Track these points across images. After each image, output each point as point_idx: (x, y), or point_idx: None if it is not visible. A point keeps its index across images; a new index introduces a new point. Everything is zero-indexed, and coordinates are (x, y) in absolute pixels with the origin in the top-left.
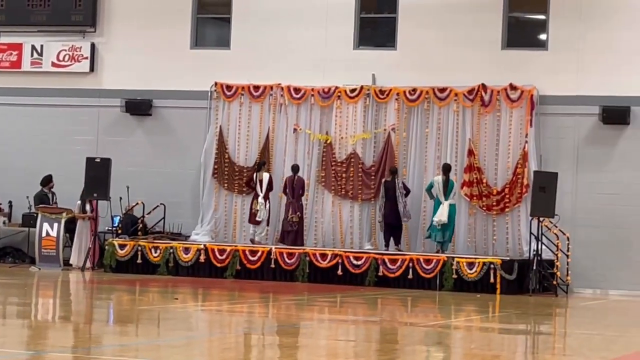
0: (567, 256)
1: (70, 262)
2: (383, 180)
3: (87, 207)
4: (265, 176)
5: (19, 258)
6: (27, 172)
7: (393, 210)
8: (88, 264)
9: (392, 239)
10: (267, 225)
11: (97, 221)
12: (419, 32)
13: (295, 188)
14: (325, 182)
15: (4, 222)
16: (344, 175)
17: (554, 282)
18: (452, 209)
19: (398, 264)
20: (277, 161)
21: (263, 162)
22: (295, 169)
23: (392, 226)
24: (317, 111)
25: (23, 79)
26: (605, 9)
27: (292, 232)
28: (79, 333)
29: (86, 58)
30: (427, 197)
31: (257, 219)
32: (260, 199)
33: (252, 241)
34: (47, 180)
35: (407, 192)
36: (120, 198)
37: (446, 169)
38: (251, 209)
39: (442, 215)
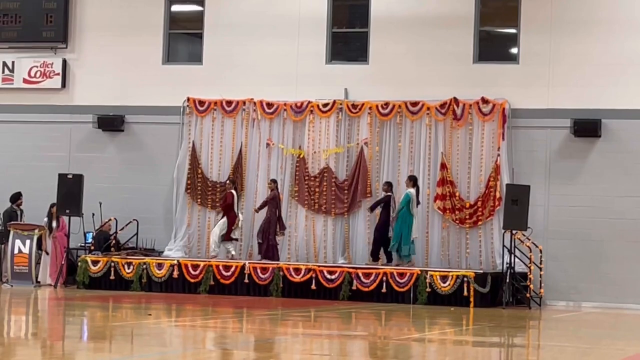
0: (540, 269)
1: (39, 279)
2: (390, 194)
3: (54, 223)
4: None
5: None
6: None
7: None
8: (51, 280)
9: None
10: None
11: (68, 237)
12: (391, 47)
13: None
14: (298, 196)
15: None
16: (317, 189)
17: (527, 295)
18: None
19: (372, 277)
20: (250, 176)
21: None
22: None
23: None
24: (289, 126)
25: None
26: (575, 22)
27: (274, 246)
28: (52, 350)
29: (58, 74)
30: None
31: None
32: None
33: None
34: (16, 197)
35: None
36: (93, 214)
37: (416, 180)
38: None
39: (417, 230)
